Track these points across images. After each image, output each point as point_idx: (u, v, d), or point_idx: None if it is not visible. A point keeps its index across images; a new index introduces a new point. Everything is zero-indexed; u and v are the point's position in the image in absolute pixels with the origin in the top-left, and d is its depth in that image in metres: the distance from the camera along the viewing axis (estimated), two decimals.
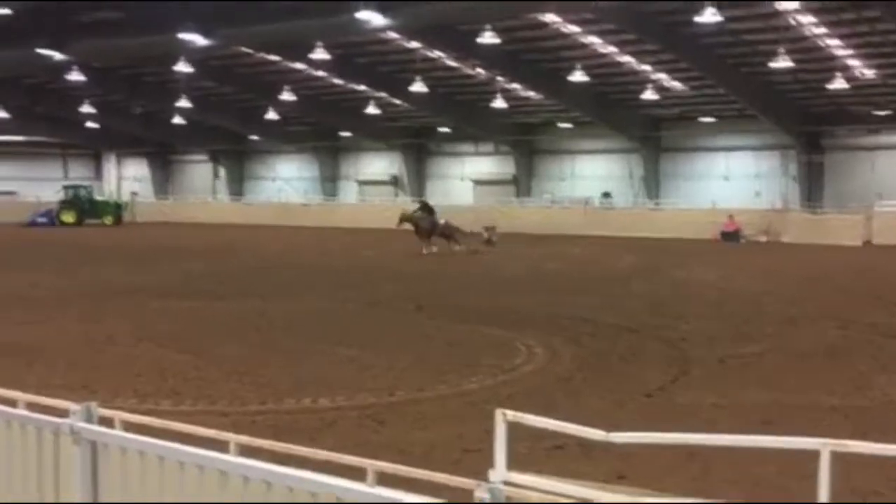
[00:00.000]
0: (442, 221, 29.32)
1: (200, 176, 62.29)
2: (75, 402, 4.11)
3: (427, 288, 20.18)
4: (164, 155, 62.73)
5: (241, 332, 14.23)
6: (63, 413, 4.14)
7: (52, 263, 25.70)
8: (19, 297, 17.99)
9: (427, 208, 30.04)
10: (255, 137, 57.04)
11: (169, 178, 63.28)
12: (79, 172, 63.80)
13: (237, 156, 60.13)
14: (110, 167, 65.62)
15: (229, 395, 9.89)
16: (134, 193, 59.20)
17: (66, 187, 51.83)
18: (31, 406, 4.98)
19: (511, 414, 3.89)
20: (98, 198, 53.48)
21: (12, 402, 5.01)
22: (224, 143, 57.27)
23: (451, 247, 28.77)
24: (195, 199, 56.57)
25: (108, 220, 49.70)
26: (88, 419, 3.52)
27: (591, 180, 48.96)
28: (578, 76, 37.86)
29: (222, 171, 60.86)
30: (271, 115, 49.16)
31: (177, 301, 17.81)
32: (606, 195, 47.74)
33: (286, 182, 58.40)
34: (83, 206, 50.08)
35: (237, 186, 59.79)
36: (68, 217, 49.10)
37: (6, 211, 50.79)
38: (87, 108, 49.98)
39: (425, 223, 29.07)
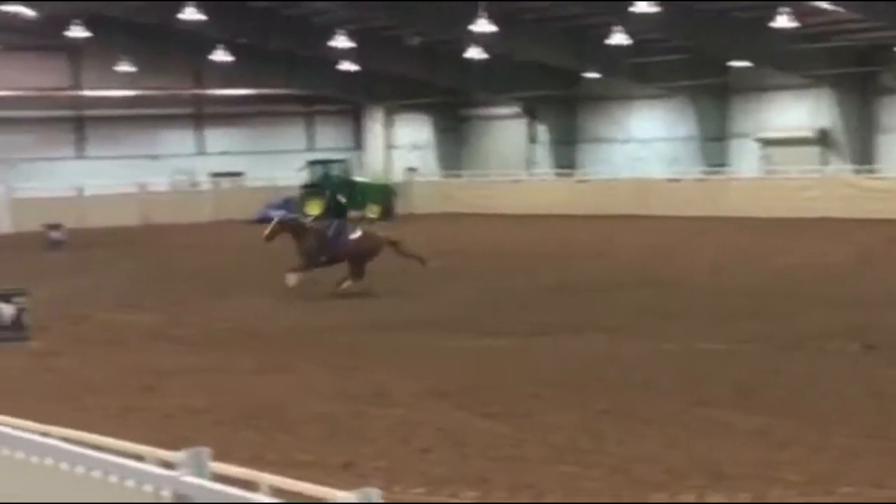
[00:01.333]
0: (355, 235, 25.10)
1: (509, 139, 63.89)
2: (343, 490, 4.36)
3: (885, 317, 19.59)
4: (454, 109, 64.95)
5: (574, 384, 14.58)
6: None
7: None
8: (250, 334, 19.56)
9: (331, 200, 26.16)
10: (592, 76, 57.83)
11: (462, 143, 65.39)
12: (330, 140, 67.59)
13: (565, 107, 61.15)
14: (376, 130, 68.84)
15: (563, 484, 10.12)
16: (411, 170, 61.75)
17: (311, 164, 55.17)
18: (279, 492, 5.37)
19: None
20: (358, 178, 56.38)
21: (252, 486, 5.43)
22: (545, 87, 58.44)
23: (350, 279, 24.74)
24: (501, 176, 58.17)
25: (374, 211, 52.24)
26: None
27: None
28: None
29: (542, 131, 62.17)
30: (618, 38, 49.60)
31: (474, 338, 18.51)
32: None
33: (643, 145, 58.74)
34: (336, 191, 53.02)
35: (566, 154, 60.77)
36: (315, 208, 52.17)
37: (229, 202, 55.07)
38: (341, 42, 52.91)
39: (312, 239, 25.01)
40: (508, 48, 53.17)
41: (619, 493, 9.80)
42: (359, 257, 24.66)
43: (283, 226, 25.39)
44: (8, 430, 5.50)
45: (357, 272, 24.54)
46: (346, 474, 10.48)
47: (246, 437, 12.35)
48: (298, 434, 12.42)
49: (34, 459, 5.05)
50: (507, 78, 58.12)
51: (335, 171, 54.33)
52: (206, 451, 4.37)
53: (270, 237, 24.93)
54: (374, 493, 3.82)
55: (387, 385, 14.72)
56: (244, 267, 31.48)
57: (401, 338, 18.66)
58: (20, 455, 5.15)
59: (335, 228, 24.85)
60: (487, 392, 14.15)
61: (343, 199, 24.51)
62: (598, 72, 56.85)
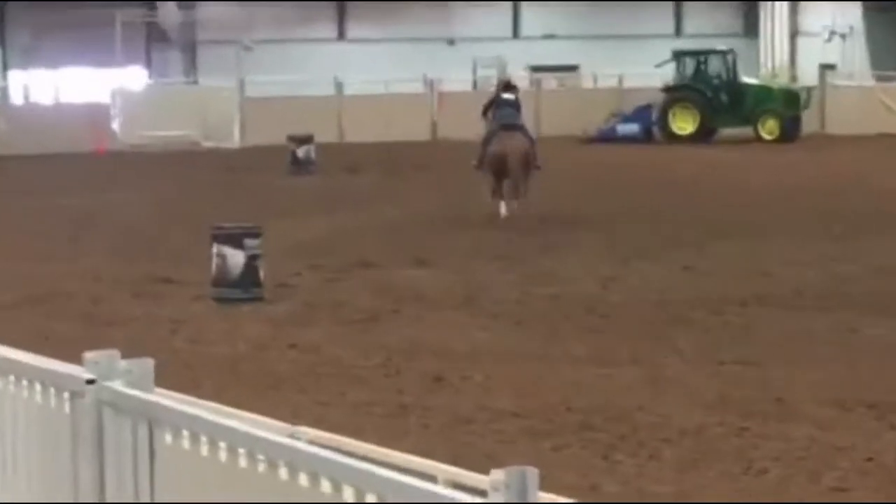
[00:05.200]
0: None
1: None
2: None
3: None
4: None
5: None
6: None
7: (662, 228, 27.90)
8: (584, 305, 20.00)
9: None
10: None
11: None
12: (707, 24, 67.31)
13: None
14: (776, 11, 68.01)
15: None
16: (827, 68, 60.80)
17: (679, 56, 54.85)
18: None
19: None
20: (748, 80, 55.73)
21: None
22: None
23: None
24: None
25: (770, 128, 51.57)
26: None
27: None
28: None
29: None
30: None
31: None
32: None
33: None
34: (715, 97, 52.60)
35: None
36: (683, 123, 51.89)
37: (556, 110, 55.18)
38: None
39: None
40: None
41: None
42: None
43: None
44: (243, 426, 5.65)
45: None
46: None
47: (575, 455, 12.39)
48: (653, 455, 12.39)
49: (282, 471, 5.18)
50: None
51: (715, 68, 53.88)
52: (533, 472, 4.39)
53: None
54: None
55: (784, 388, 14.62)
56: (580, 206, 31.44)
57: (796, 318, 18.56)
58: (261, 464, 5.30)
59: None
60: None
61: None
62: None
